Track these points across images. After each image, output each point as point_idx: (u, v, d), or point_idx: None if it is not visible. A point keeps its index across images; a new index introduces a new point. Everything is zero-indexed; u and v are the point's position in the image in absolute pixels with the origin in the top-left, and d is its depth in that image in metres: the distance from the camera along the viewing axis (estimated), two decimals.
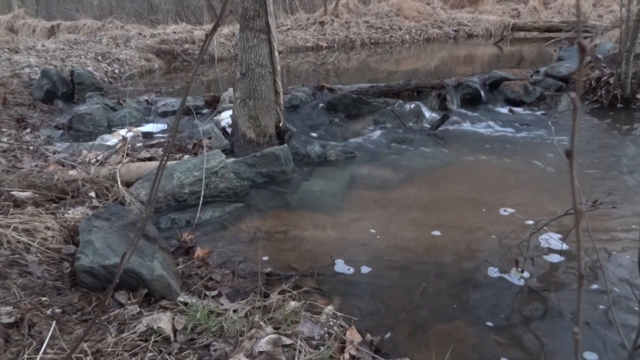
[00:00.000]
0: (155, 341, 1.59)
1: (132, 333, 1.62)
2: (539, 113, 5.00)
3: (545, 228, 2.36)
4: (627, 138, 4.16)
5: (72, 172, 2.92)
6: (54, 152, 3.38)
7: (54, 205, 2.58)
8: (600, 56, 5.67)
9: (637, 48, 4.85)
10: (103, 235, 2.03)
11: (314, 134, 4.36)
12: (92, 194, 2.77)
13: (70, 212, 2.51)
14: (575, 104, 0.36)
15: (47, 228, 2.25)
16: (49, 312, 1.69)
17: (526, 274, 2.19)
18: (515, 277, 2.18)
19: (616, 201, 2.77)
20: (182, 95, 5.17)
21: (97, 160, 3.20)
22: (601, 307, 1.97)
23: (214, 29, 0.80)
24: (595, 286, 2.10)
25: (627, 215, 2.67)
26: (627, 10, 4.90)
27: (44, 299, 1.77)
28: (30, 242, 2.09)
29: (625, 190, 3.05)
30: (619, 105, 4.97)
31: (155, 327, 1.63)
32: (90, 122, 4.31)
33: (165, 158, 0.91)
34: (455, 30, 11.03)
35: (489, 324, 1.89)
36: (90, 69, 6.25)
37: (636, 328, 1.61)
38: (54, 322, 1.57)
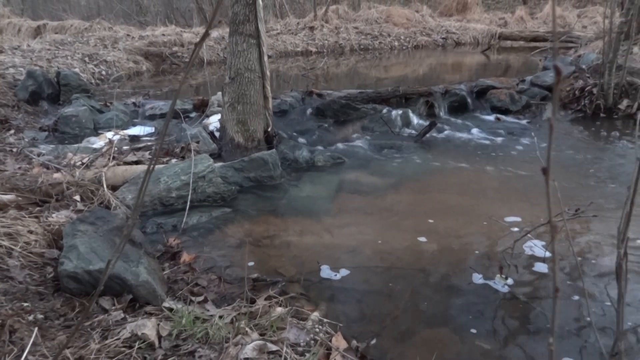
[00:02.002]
0: (140, 347, 1.58)
1: (115, 339, 1.60)
2: (524, 121, 5.08)
3: (529, 235, 2.40)
4: (609, 147, 4.25)
5: (56, 175, 2.88)
6: (39, 155, 3.34)
7: (38, 208, 2.54)
8: (584, 66, 5.78)
9: (619, 59, 4.96)
10: (88, 240, 2.01)
11: (302, 139, 4.37)
12: (77, 197, 2.74)
13: (54, 215, 2.48)
14: (552, 124, 0.38)
15: (30, 232, 2.22)
16: (30, 318, 1.66)
17: (510, 281, 2.22)
18: (499, 284, 2.21)
19: (597, 210, 2.82)
20: (170, 98, 5.14)
21: (82, 163, 3.17)
22: (580, 314, 2.00)
23: (203, 38, 0.81)
24: (575, 295, 2.14)
25: (608, 223, 2.72)
26: (610, 23, 5.02)
27: (25, 304, 1.75)
28: (13, 247, 2.06)
29: (606, 198, 3.12)
30: (602, 114, 5.08)
31: (139, 334, 1.62)
32: (76, 125, 4.26)
33: (152, 164, 0.91)
34: (443, 38, 11.16)
35: (473, 330, 1.91)
36: (76, 70, 6.18)
37: (614, 335, 1.64)
38: (36, 329, 1.55)
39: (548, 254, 2.41)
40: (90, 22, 9.96)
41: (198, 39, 8.59)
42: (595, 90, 5.15)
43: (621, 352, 0.90)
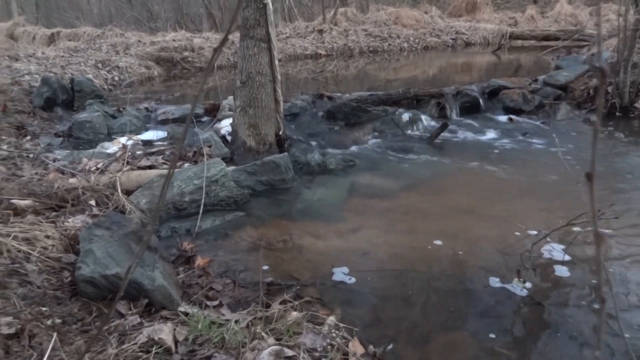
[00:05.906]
0: (157, 352, 1.58)
1: (132, 344, 1.60)
2: (538, 122, 5.02)
3: (547, 238, 2.36)
4: (626, 147, 4.18)
5: (72, 180, 2.91)
6: (54, 160, 3.37)
7: (54, 213, 2.57)
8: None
9: (634, 57, 4.88)
10: (104, 245, 2.02)
11: (313, 142, 4.37)
12: (92, 202, 2.76)
13: (70, 220, 2.50)
14: (596, 128, 0.36)
15: (47, 237, 2.24)
16: (49, 322, 1.68)
17: (528, 285, 2.19)
18: (517, 288, 2.17)
19: (618, 211, 2.77)
20: (182, 103, 5.17)
21: (97, 168, 3.19)
22: (608, 320, 1.96)
23: (222, 43, 0.80)
24: (595, 300, 2.10)
25: (629, 225, 2.67)
26: (625, 20, 4.94)
27: (44, 309, 1.76)
28: (30, 251, 2.08)
29: (626, 200, 3.06)
30: (617, 113, 5.00)
31: (156, 338, 1.62)
32: (90, 130, 4.30)
33: (171, 171, 0.91)
34: (453, 39, 11.09)
35: (491, 335, 1.88)
36: (90, 76, 6.25)
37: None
38: (55, 334, 1.56)
39: (567, 258, 2.37)
40: (103, 29, 10.08)
41: (212, 44, 8.62)
42: (610, 89, 5.08)
43: None
